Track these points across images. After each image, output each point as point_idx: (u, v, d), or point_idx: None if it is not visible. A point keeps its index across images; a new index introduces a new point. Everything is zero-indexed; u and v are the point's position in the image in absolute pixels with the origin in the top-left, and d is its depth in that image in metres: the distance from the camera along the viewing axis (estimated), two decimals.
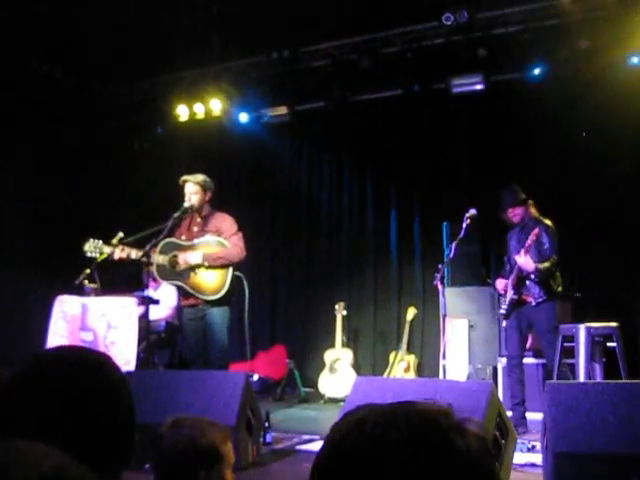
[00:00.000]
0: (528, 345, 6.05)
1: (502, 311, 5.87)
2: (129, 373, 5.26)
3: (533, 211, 5.88)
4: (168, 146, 9.24)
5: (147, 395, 4.68)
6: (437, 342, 6.51)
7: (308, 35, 7.83)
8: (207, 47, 7.90)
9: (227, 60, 8.37)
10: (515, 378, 5.81)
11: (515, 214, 5.90)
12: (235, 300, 6.01)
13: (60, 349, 1.31)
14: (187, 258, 5.73)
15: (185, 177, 5.93)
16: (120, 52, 7.59)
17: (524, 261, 5.57)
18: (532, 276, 5.65)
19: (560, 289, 5.77)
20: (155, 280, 6.33)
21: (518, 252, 5.64)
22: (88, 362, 1.22)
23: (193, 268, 5.72)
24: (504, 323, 5.97)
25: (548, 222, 5.77)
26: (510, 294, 5.75)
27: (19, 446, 0.73)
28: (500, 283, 5.93)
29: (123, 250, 5.74)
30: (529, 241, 5.53)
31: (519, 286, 5.73)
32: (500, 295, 6.08)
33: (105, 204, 8.72)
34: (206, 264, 5.71)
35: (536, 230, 5.54)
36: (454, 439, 0.82)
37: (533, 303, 5.68)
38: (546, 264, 5.59)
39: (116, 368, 1.25)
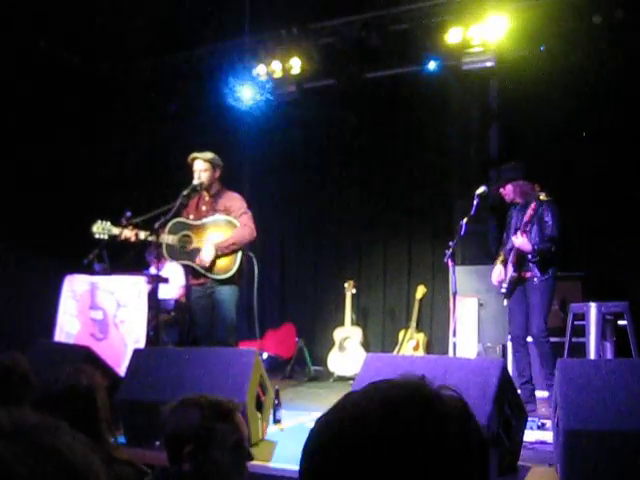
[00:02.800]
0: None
1: (503, 290, 5.73)
2: (139, 351, 5.27)
3: (533, 189, 5.69)
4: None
5: (156, 373, 4.69)
6: (446, 321, 6.50)
7: (316, 12, 7.74)
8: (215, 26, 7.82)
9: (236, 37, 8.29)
10: (520, 357, 5.72)
11: (505, 193, 5.78)
12: (245, 280, 6.00)
13: None
14: (202, 259, 5.71)
15: (194, 154, 5.88)
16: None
17: (521, 242, 5.50)
18: (529, 256, 5.55)
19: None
20: (159, 260, 6.34)
21: (517, 231, 5.56)
22: None
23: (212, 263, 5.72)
24: (505, 302, 5.81)
25: (550, 200, 5.60)
26: (510, 272, 5.64)
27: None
28: (496, 273, 5.79)
29: (132, 230, 5.75)
30: (525, 219, 5.43)
31: (520, 264, 5.62)
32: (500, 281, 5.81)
33: (116, 184, 8.69)
34: (219, 253, 5.71)
35: (532, 206, 5.44)
36: (433, 406, 0.83)
37: (535, 281, 5.57)
38: (546, 244, 5.49)
39: None
